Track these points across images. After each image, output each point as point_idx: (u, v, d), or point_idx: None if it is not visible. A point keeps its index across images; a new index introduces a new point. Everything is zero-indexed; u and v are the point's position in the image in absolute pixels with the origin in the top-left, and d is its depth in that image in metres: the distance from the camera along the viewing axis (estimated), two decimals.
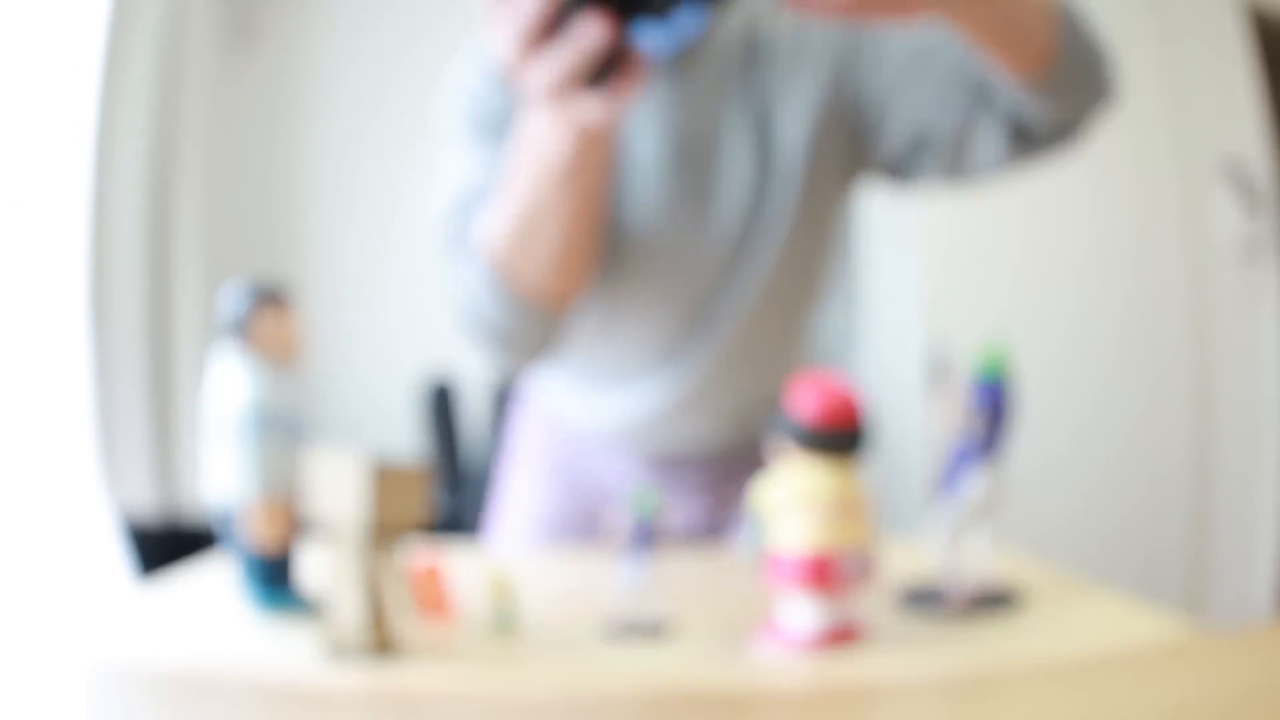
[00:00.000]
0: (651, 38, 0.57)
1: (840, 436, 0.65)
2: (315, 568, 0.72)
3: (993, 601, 0.76)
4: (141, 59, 1.81)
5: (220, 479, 0.75)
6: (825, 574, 0.64)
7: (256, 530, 0.73)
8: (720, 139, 0.79)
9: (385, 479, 0.62)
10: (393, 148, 2.23)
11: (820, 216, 0.85)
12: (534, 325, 0.78)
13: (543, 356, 0.83)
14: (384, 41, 2.28)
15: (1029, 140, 0.76)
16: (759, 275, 0.81)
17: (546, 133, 0.64)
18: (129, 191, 1.80)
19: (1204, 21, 2.34)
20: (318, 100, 2.25)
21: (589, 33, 0.55)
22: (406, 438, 2.14)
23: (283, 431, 0.75)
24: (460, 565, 0.82)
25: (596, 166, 0.67)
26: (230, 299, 0.77)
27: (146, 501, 1.81)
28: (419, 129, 2.30)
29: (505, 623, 0.74)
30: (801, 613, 0.65)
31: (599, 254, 0.76)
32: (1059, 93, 0.72)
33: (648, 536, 0.71)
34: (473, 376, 1.76)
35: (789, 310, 0.88)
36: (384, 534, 0.64)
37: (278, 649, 0.69)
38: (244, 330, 0.76)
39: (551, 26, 0.57)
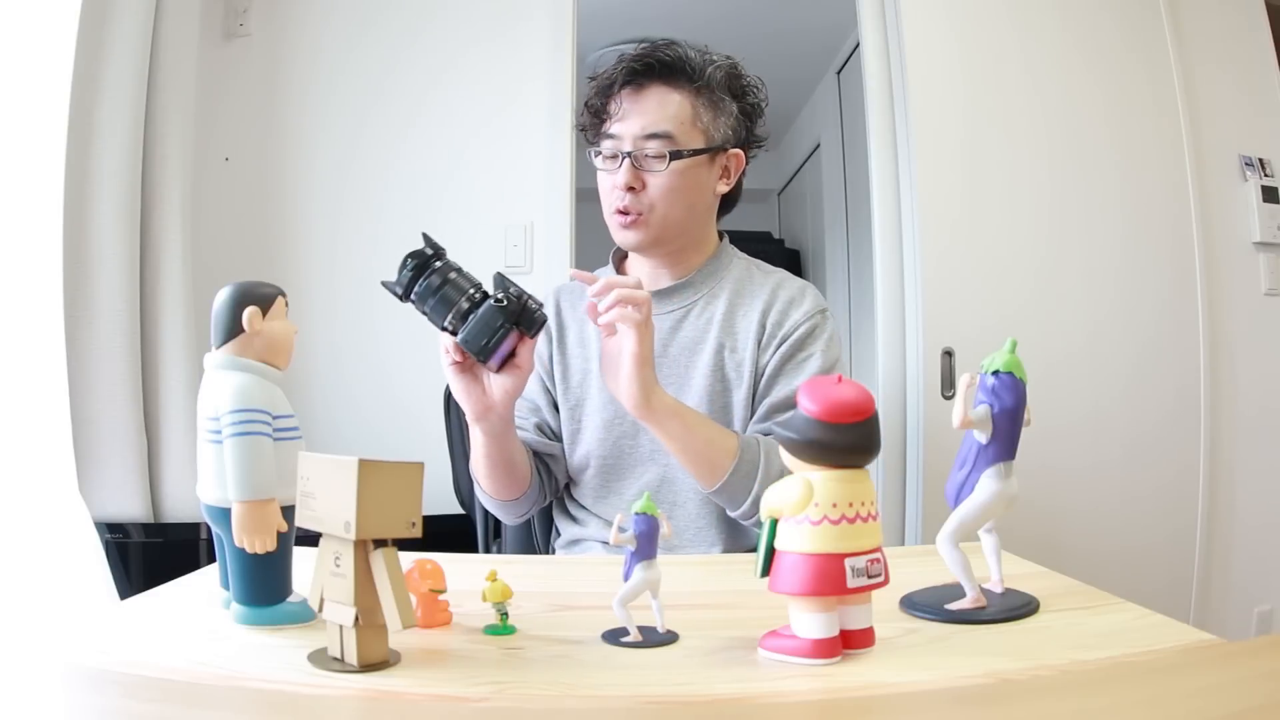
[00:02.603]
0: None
1: (851, 442, 0.63)
2: (307, 570, 0.70)
3: (1005, 607, 0.75)
4: (123, 50, 1.76)
5: (210, 481, 0.74)
6: (834, 580, 0.62)
7: (246, 532, 0.71)
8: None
9: (377, 480, 0.61)
10: (386, 145, 2.22)
11: None
12: (499, 509, 1.28)
13: (516, 519, 1.31)
14: (376, 34, 2.26)
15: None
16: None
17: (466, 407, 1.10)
18: (113, 189, 1.77)
19: (1222, 17, 2.33)
20: (308, 93, 2.22)
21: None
22: (401, 439, 2.12)
23: (274, 433, 0.73)
24: (459, 567, 0.80)
25: (487, 434, 1.13)
26: (221, 300, 0.75)
27: (134, 508, 1.79)
28: (412, 125, 2.29)
29: (504, 625, 0.72)
30: (810, 619, 0.63)
31: (523, 481, 1.24)
32: (720, 498, 1.17)
33: (651, 541, 0.69)
34: None
35: None
36: (376, 535, 0.62)
37: (271, 653, 0.67)
38: (235, 332, 0.74)
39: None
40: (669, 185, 1.22)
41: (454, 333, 0.99)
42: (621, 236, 1.26)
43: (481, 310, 0.98)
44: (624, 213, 1.23)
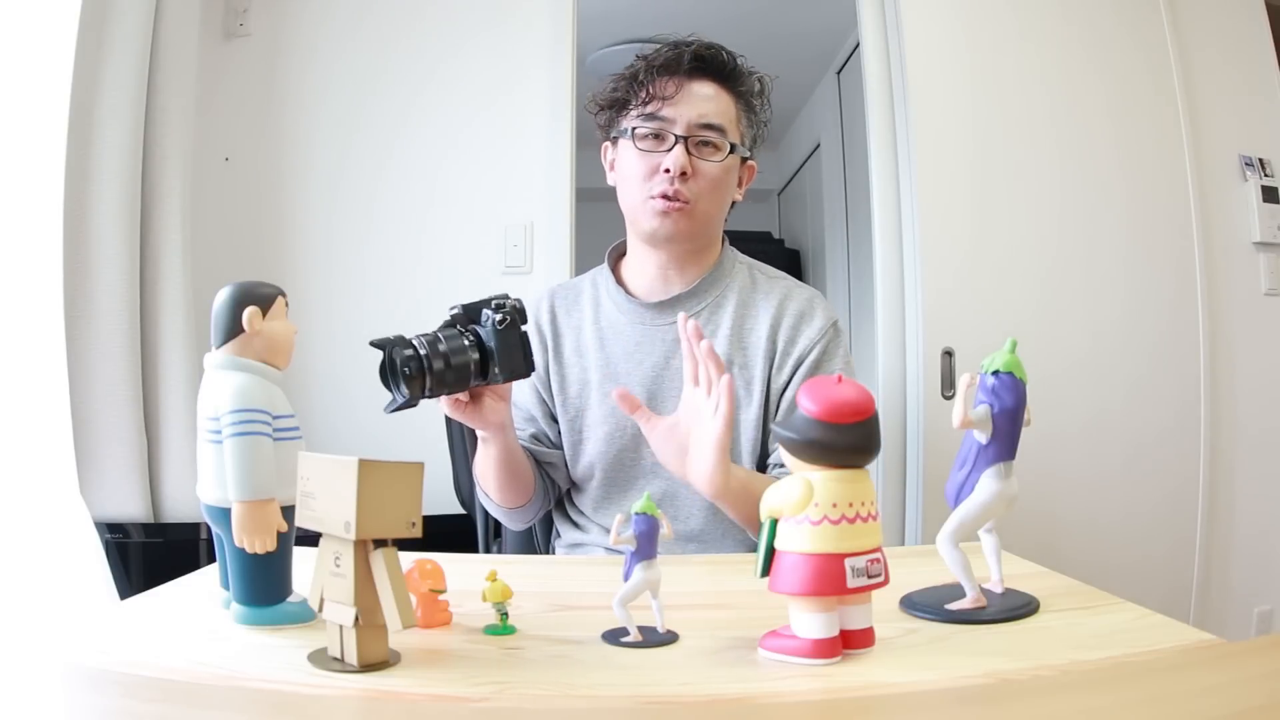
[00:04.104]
0: None
1: (851, 442, 0.63)
2: (307, 571, 0.70)
3: (1005, 607, 0.75)
4: (123, 50, 1.74)
5: (210, 481, 0.74)
6: (834, 580, 0.62)
7: (246, 533, 0.71)
8: None
9: (377, 480, 0.61)
10: (386, 145, 2.21)
11: None
12: (508, 516, 1.27)
13: (523, 524, 1.30)
14: (376, 34, 2.25)
15: None
16: None
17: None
18: (113, 189, 1.76)
19: (1222, 17, 2.32)
20: (308, 93, 2.21)
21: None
22: (401, 439, 2.11)
23: (274, 433, 0.73)
24: (459, 567, 0.80)
25: (500, 443, 1.12)
26: (221, 300, 0.75)
27: (134, 508, 1.78)
28: (412, 124, 2.29)
29: (504, 625, 0.72)
30: (810, 619, 0.63)
31: (530, 486, 1.22)
32: None
33: (650, 541, 0.69)
34: None
35: None
36: (376, 535, 0.62)
37: (271, 653, 0.67)
38: (235, 332, 0.74)
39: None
40: (718, 178, 1.21)
41: (488, 379, 0.97)
42: (658, 223, 1.20)
43: (498, 342, 0.96)
44: (670, 198, 1.18)
